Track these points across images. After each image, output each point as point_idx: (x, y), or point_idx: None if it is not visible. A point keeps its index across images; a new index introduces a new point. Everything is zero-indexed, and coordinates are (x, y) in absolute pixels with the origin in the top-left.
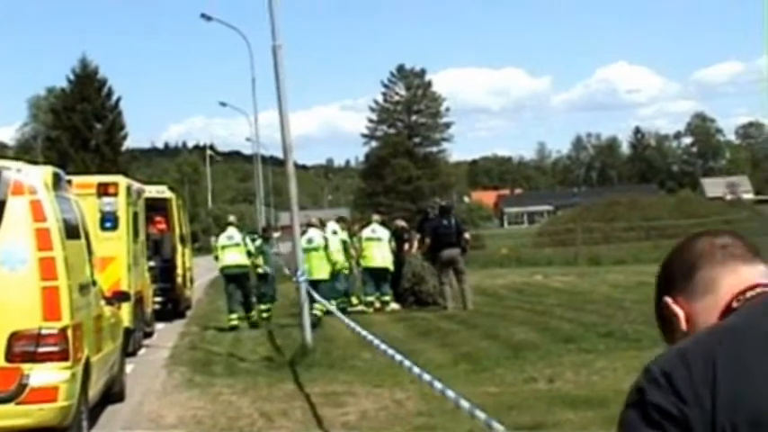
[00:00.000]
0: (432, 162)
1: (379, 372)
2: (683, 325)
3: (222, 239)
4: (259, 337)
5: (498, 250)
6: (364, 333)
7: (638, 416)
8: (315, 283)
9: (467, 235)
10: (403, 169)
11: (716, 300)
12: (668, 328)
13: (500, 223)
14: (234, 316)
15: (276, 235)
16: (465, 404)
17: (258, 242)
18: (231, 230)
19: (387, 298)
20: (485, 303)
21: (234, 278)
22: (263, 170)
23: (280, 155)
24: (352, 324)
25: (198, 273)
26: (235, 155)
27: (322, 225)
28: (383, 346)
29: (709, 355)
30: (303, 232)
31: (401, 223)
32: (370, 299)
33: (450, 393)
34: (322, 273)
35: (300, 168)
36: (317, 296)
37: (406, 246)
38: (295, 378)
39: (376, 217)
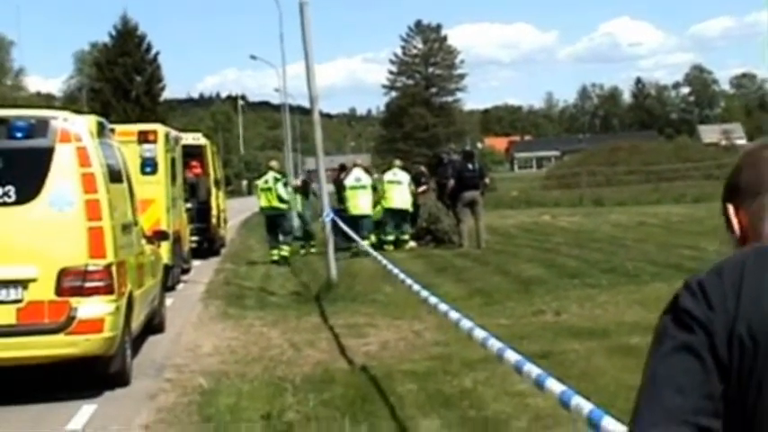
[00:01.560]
0: (447, 111)
1: (398, 305)
2: (737, 237)
3: (261, 182)
4: (288, 273)
5: (509, 192)
6: (390, 267)
7: (671, 319)
8: (357, 219)
9: (487, 179)
10: (420, 118)
11: None
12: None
13: (511, 167)
14: (274, 252)
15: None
16: (479, 333)
17: (289, 188)
18: (269, 175)
19: (406, 236)
20: (497, 242)
21: (269, 218)
22: (290, 119)
23: (306, 104)
24: (382, 258)
25: (231, 214)
26: (264, 105)
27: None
28: (407, 280)
29: (739, 267)
30: (342, 173)
31: (421, 168)
32: (390, 237)
33: (466, 323)
34: (368, 209)
35: (325, 117)
36: (347, 233)
37: (424, 187)
38: (321, 311)
39: (398, 162)
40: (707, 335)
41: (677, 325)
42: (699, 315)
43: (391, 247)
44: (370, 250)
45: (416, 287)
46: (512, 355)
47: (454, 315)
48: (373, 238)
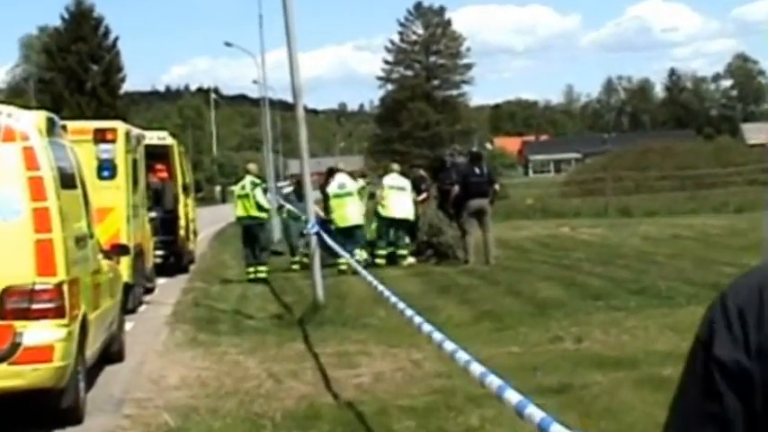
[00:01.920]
0: (451, 106)
1: (394, 330)
2: None
3: (237, 188)
4: (267, 293)
5: (522, 200)
6: (381, 288)
7: (701, 376)
8: (348, 231)
9: (497, 185)
10: (420, 114)
11: None
12: None
13: (524, 171)
14: (251, 269)
15: (285, 184)
16: (477, 368)
17: (269, 195)
18: (246, 179)
19: (404, 251)
20: (508, 257)
21: (246, 229)
22: (270, 115)
23: (289, 98)
24: (372, 279)
25: (202, 224)
26: (241, 98)
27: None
28: (399, 303)
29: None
30: (326, 179)
31: (421, 172)
32: (382, 251)
33: (462, 355)
34: (357, 218)
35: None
36: (334, 247)
37: (424, 195)
38: (305, 337)
39: (395, 166)
40: (741, 399)
41: (705, 388)
42: (734, 369)
43: (384, 262)
44: (359, 268)
45: (409, 312)
46: (513, 396)
47: (449, 346)
48: (364, 253)
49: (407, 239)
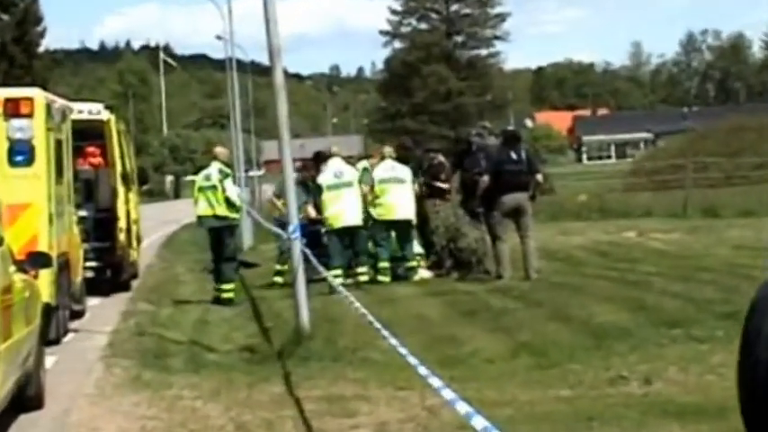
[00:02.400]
0: (480, 71)
1: (403, 367)
2: None
3: (200, 179)
4: (235, 317)
5: (574, 196)
6: (369, 316)
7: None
8: (347, 234)
9: (539, 176)
10: (439, 81)
11: None
12: None
13: (577, 157)
14: (225, 287)
15: (258, 173)
16: (479, 422)
17: (240, 189)
18: (213, 167)
19: (413, 263)
20: (554, 271)
21: (213, 234)
22: (240, 82)
23: (264, 60)
24: (360, 305)
25: (148, 226)
26: (200, 59)
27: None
28: (389, 337)
29: None
30: (321, 165)
31: (440, 158)
32: (385, 264)
33: (462, 407)
34: (357, 218)
35: (294, 79)
36: (315, 264)
37: (446, 185)
38: (285, 376)
39: (388, 149)
40: None
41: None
42: None
43: (388, 279)
44: (338, 286)
45: (394, 341)
46: None
47: (449, 394)
48: (365, 267)
49: (417, 247)
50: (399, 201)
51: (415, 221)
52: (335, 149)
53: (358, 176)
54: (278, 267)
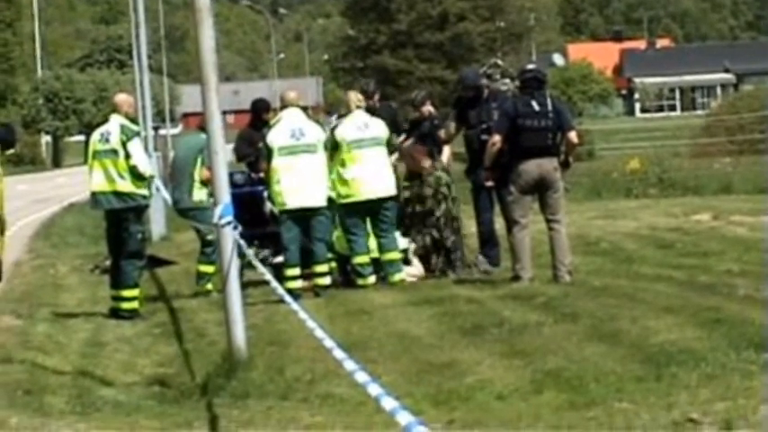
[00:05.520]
0: None
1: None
2: None
3: (94, 140)
4: (141, 337)
5: (623, 163)
6: (328, 342)
7: None
8: (304, 217)
9: (573, 135)
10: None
11: None
12: None
13: (627, 108)
14: (127, 293)
15: (173, 131)
16: None
17: (152, 154)
18: (113, 122)
19: (394, 255)
20: (595, 269)
21: (111, 218)
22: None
23: None
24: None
25: (17, 207)
26: None
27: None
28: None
29: None
30: (265, 118)
31: (427, 108)
32: (362, 259)
33: None
34: (320, 195)
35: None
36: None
37: (446, 150)
38: (212, 420)
39: (354, 96)
40: None
41: None
42: None
43: (370, 281)
44: (287, 297)
45: (373, 388)
46: None
47: None
48: (332, 264)
49: (398, 234)
50: (375, 172)
51: (395, 197)
52: (293, 96)
53: (324, 138)
54: (202, 269)
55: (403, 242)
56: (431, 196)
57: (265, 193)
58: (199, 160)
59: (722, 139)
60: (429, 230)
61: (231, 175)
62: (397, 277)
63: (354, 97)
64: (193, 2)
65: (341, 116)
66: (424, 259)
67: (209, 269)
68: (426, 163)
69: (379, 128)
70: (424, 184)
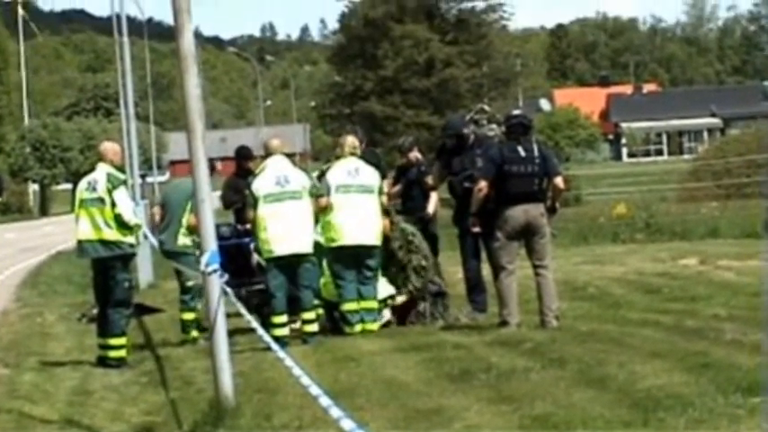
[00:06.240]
0: (474, 31)
1: None
2: None
3: (81, 188)
4: (128, 385)
5: (610, 208)
6: (314, 390)
7: None
8: (290, 265)
9: (559, 180)
10: (417, 46)
11: None
12: None
13: (614, 152)
14: (114, 342)
15: (160, 179)
16: None
17: (139, 203)
18: (100, 171)
19: (371, 304)
20: (582, 314)
21: (98, 267)
22: (133, 48)
23: (167, 18)
24: (300, 370)
25: (4, 256)
26: (77, 17)
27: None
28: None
29: None
30: (249, 166)
31: (414, 154)
32: (350, 306)
33: None
34: (306, 242)
35: (211, 44)
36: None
37: (433, 197)
38: None
39: (352, 140)
40: None
41: None
42: None
43: (357, 329)
44: (274, 345)
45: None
46: None
47: None
48: (319, 311)
49: (384, 281)
50: (360, 219)
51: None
52: (276, 143)
53: (310, 186)
54: (185, 317)
55: (388, 289)
56: (398, 248)
57: (252, 245)
58: (189, 206)
59: (709, 183)
60: (409, 281)
61: (218, 227)
62: (370, 327)
63: (351, 142)
64: (179, 49)
65: (336, 158)
66: (411, 305)
67: (190, 316)
68: (384, 222)
69: (370, 176)
70: (390, 240)
